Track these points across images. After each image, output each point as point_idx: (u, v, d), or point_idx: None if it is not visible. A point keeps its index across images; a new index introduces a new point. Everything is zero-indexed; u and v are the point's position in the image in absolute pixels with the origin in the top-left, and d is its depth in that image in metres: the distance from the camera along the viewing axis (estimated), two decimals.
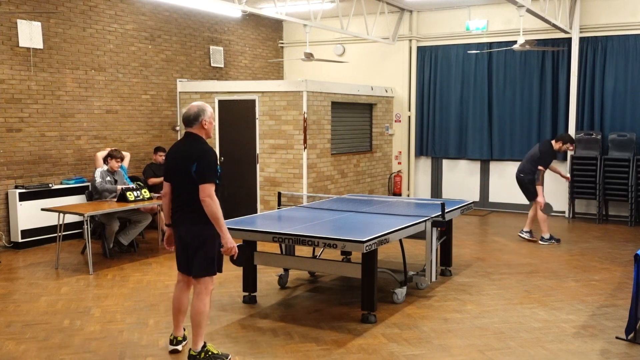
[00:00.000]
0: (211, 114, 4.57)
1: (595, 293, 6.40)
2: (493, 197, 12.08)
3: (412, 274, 6.46)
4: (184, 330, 4.94)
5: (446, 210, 6.34)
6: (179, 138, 10.69)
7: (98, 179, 8.06)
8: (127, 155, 8.85)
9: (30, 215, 8.49)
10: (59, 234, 7.57)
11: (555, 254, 8.26)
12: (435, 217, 6.25)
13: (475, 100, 11.87)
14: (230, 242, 4.46)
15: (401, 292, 6.08)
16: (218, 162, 4.71)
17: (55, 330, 5.28)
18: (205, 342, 4.59)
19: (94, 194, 8.26)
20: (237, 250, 4.52)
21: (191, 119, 4.49)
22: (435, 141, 12.39)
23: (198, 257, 4.53)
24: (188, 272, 4.68)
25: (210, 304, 4.67)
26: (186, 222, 4.53)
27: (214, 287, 4.68)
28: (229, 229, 5.50)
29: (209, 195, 4.32)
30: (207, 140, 4.60)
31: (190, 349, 4.59)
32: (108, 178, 8.12)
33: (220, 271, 4.68)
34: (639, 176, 10.28)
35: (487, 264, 7.70)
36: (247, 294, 6.07)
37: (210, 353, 4.56)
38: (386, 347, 4.90)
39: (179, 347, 4.83)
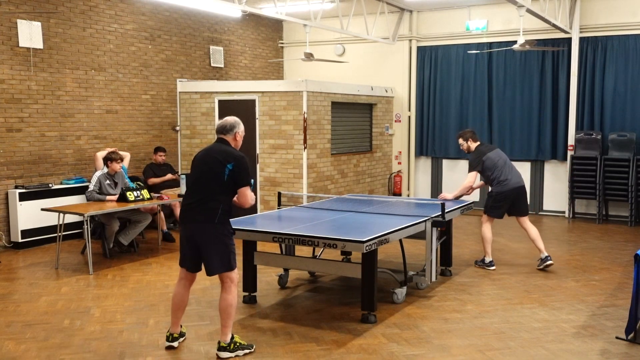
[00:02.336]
0: (243, 130, 4.91)
1: (595, 293, 6.40)
2: None
3: (412, 274, 6.46)
4: (182, 327, 4.98)
5: (446, 210, 6.34)
6: (179, 138, 10.72)
7: (91, 186, 7.98)
8: (127, 155, 8.85)
9: (30, 215, 8.49)
10: (59, 234, 7.57)
11: (555, 254, 8.24)
12: (435, 217, 6.25)
13: (475, 100, 11.86)
14: None
15: (401, 292, 6.08)
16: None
17: (55, 330, 5.28)
18: (232, 334, 4.72)
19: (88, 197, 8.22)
20: None
21: (227, 128, 4.81)
22: (435, 141, 12.38)
23: (218, 254, 4.62)
24: (194, 270, 4.77)
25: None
26: (199, 220, 4.63)
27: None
28: None
29: (251, 199, 4.66)
30: None
31: (219, 341, 4.70)
32: (107, 182, 8.05)
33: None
34: (639, 176, 10.28)
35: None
36: (247, 294, 6.08)
37: (238, 344, 4.71)
38: (386, 347, 4.90)
39: (175, 344, 4.87)
